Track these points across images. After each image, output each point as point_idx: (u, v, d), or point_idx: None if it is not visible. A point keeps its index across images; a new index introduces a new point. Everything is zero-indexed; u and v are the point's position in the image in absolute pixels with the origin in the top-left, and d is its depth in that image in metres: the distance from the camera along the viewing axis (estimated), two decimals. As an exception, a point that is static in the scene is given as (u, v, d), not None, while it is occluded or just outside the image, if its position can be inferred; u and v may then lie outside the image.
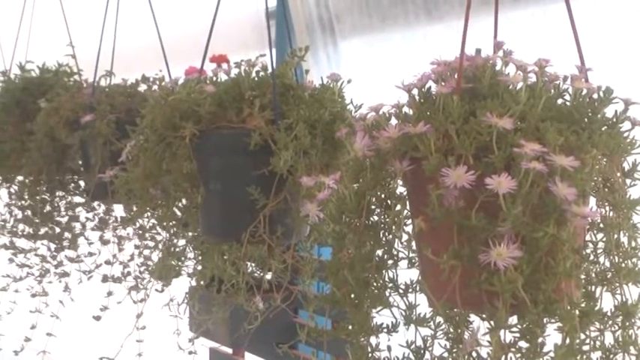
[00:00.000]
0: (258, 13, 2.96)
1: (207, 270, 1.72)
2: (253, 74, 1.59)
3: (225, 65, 1.68)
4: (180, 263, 1.80)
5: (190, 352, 1.98)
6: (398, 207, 1.11)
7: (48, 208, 2.29)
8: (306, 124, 1.50)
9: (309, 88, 1.62)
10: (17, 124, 2.39)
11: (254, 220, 1.48)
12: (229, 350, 2.51)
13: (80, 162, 2.24)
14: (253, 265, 1.69)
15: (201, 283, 1.87)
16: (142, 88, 2.15)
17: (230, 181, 1.53)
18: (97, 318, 2.15)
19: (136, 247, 1.97)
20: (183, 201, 1.67)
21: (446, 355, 1.05)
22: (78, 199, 2.33)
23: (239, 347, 2.47)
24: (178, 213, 1.69)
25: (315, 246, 1.57)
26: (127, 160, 1.69)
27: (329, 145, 1.53)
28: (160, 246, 1.73)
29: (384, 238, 1.13)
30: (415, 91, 1.14)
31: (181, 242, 1.76)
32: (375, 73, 2.46)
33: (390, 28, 2.48)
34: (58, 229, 2.31)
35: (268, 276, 1.65)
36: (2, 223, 2.43)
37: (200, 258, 1.78)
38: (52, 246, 2.35)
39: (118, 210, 2.21)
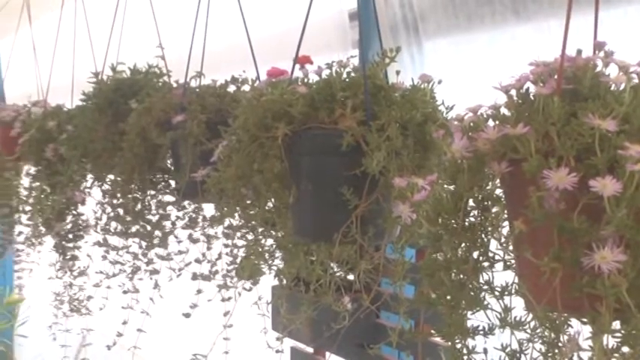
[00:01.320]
0: (340, 14, 2.96)
1: (293, 270, 1.73)
2: (344, 75, 1.60)
3: (308, 66, 1.69)
4: (266, 263, 1.82)
5: (277, 351, 2.00)
6: (495, 209, 1.11)
7: (139, 206, 2.34)
8: (398, 125, 1.50)
9: (400, 88, 1.61)
10: (109, 124, 2.44)
11: (346, 221, 1.49)
12: (310, 350, 2.52)
13: (170, 161, 2.27)
14: (335, 265, 1.70)
15: (285, 282, 1.89)
16: (231, 88, 2.17)
17: (322, 182, 1.54)
18: (187, 315, 2.18)
19: (225, 246, 1.99)
20: (272, 201, 1.69)
21: (542, 359, 1.03)
22: (168, 198, 2.37)
23: (320, 347, 2.47)
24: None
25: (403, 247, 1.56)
26: (218, 160, 1.71)
27: (420, 146, 1.53)
28: (248, 245, 1.75)
29: (480, 240, 1.12)
30: (513, 92, 1.13)
31: (269, 242, 1.78)
32: (461, 74, 2.44)
33: (477, 28, 2.45)
34: (148, 227, 2.35)
35: (352, 276, 1.65)
36: (95, 221, 2.48)
37: (285, 258, 1.80)
38: (143, 244, 2.39)
39: (207, 209, 2.24)
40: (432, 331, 1.18)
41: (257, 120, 1.57)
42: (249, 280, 1.94)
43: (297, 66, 1.74)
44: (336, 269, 1.70)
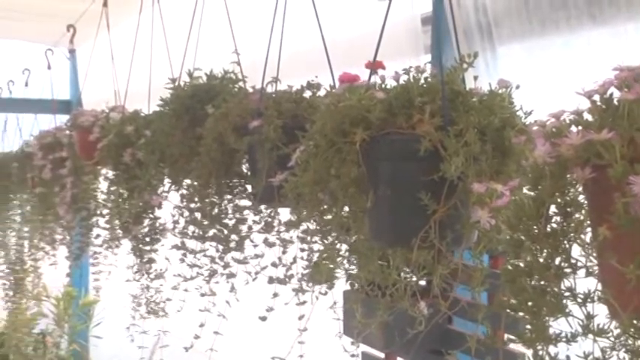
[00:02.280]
0: (413, 19, 2.96)
1: (368, 275, 1.74)
2: (422, 81, 1.60)
3: (385, 71, 1.70)
4: (340, 267, 1.83)
5: (352, 356, 2.00)
6: (578, 215, 1.10)
7: (216, 210, 2.36)
8: (476, 131, 1.49)
9: (477, 94, 1.61)
10: (186, 130, 2.47)
11: (424, 226, 1.49)
12: (381, 355, 2.52)
13: (246, 166, 2.30)
14: (409, 270, 1.69)
15: (358, 287, 1.90)
16: (307, 94, 2.18)
17: (400, 187, 1.54)
18: (263, 318, 2.20)
19: (301, 250, 2.00)
20: (348, 205, 1.69)
21: (625, 367, 1.03)
22: (244, 203, 2.39)
23: (392, 352, 2.47)
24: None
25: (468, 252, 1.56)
26: (296, 164, 1.73)
27: (499, 151, 1.52)
28: (326, 248, 1.76)
29: (562, 246, 1.11)
30: (596, 98, 1.12)
31: (343, 246, 1.79)
32: (535, 79, 2.42)
33: (551, 33, 2.43)
34: (225, 231, 2.38)
35: (423, 281, 1.65)
36: (173, 225, 2.52)
37: (360, 262, 1.80)
38: (220, 247, 2.42)
39: (283, 213, 2.25)
40: (512, 338, 1.18)
41: (335, 125, 1.58)
42: (322, 284, 1.95)
43: (370, 71, 1.75)
44: (410, 274, 1.70)
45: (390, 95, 1.57)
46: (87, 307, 6.66)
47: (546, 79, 2.39)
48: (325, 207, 1.72)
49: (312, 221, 1.78)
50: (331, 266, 1.82)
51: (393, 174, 1.55)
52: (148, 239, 3.00)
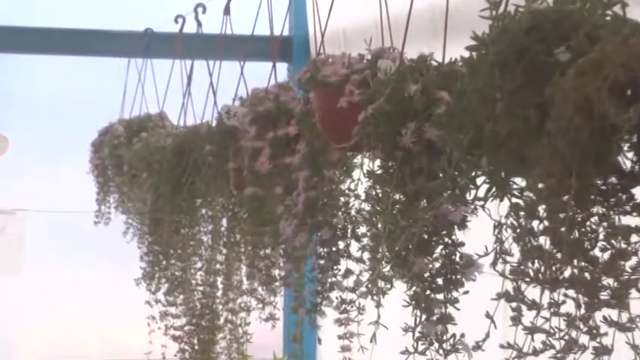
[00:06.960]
0: None
1: None
2: None
3: None
4: None
5: None
6: None
7: (577, 234, 2.34)
8: None
9: None
10: (519, 90, 2.46)
11: None
12: None
13: (633, 155, 2.27)
14: None
15: None
16: None
17: None
18: None
19: None
20: None
21: None
22: (631, 220, 2.34)
23: None
24: None
25: None
26: None
27: None
28: None
29: None
30: None
31: None
32: None
33: None
34: (593, 271, 2.35)
35: None
36: (495, 257, 2.53)
37: None
38: (583, 299, 2.39)
39: None
40: None
41: None
42: None
43: None
44: None
45: None
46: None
47: None
48: None
49: None
50: None
51: None
52: (440, 281, 3.02)
